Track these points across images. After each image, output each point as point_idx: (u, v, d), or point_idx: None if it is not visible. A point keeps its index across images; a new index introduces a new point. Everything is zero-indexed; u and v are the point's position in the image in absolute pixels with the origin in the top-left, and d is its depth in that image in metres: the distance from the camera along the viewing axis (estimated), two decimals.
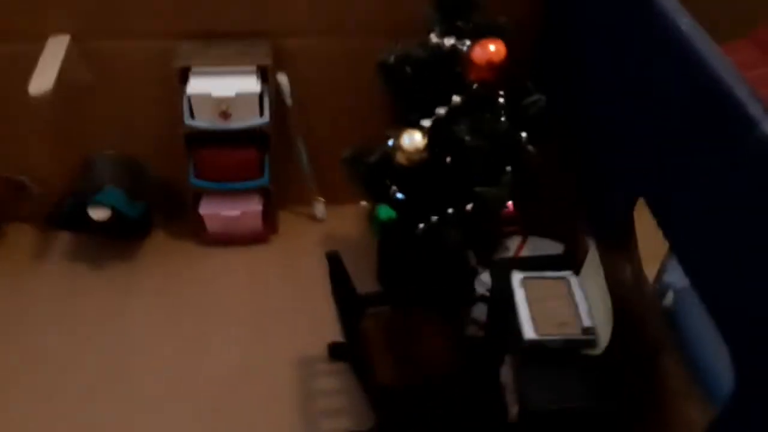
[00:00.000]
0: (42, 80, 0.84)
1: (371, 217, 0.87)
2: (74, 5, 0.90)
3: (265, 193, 1.04)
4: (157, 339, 0.95)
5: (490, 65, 0.71)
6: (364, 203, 1.16)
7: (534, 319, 0.69)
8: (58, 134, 1.01)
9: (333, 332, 0.94)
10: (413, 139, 0.78)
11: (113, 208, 0.96)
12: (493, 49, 0.71)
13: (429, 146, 0.78)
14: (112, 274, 1.03)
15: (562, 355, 0.68)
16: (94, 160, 1.00)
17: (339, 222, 1.12)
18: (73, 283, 1.01)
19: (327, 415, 0.85)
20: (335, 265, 0.81)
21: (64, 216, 0.99)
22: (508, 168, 0.82)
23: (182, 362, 0.93)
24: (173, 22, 0.91)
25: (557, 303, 0.71)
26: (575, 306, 0.71)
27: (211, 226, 1.04)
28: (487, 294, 0.92)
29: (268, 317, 0.98)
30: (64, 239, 1.07)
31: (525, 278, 0.73)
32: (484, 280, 0.91)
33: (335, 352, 0.91)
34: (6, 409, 0.87)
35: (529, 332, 0.68)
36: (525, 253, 0.92)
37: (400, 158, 0.79)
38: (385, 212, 0.84)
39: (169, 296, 1.01)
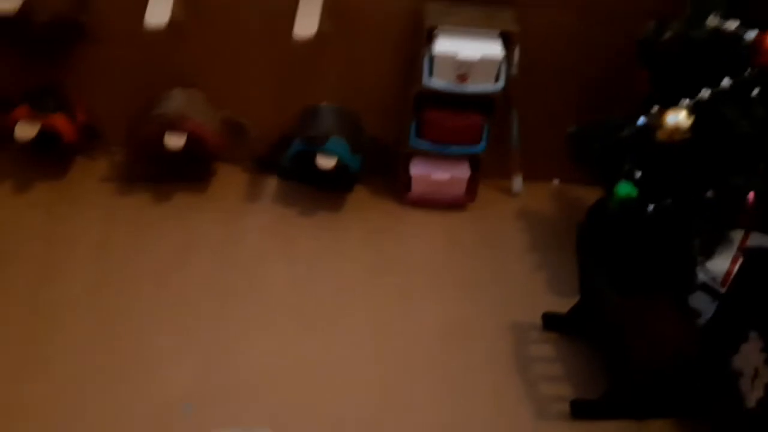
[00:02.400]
0: (305, 24, 0.87)
1: (609, 192, 0.87)
2: None
3: (473, 161, 1.05)
4: (365, 288, 0.98)
5: None
6: (556, 182, 1.17)
7: None
8: (282, 81, 1.05)
9: (540, 304, 0.95)
10: (678, 119, 0.78)
11: (339, 158, 0.99)
12: None
13: (692, 127, 0.78)
14: (319, 221, 1.06)
15: None
16: (319, 109, 1.03)
17: (532, 199, 1.13)
18: (282, 225, 1.05)
19: (547, 381, 0.86)
20: (583, 237, 0.82)
21: (286, 159, 1.03)
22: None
23: (391, 313, 0.95)
24: None
25: None
26: None
27: (417, 187, 1.06)
28: (710, 283, 0.92)
29: (470, 282, 1.00)
30: (272, 184, 1.10)
31: None
32: (710, 268, 0.91)
33: (550, 322, 0.92)
34: (229, 321, 0.91)
35: None
36: None
37: (662, 135, 0.79)
38: (625, 189, 0.85)
39: (372, 249, 1.03)
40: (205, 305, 0.94)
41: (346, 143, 1.00)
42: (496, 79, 0.95)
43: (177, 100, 0.99)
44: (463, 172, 1.05)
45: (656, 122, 0.79)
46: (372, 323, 0.94)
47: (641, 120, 0.83)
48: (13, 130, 0.97)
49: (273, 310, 0.94)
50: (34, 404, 0.80)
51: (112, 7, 0.96)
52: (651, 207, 0.87)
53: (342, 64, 1.02)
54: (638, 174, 0.86)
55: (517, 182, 1.13)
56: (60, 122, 0.98)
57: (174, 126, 0.97)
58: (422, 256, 1.04)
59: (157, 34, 0.96)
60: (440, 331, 0.94)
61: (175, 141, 0.97)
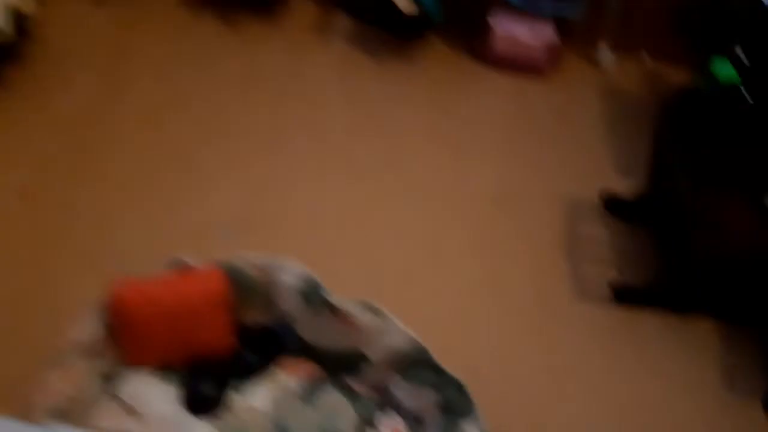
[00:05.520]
0: None
1: (704, 70, 0.78)
2: None
3: (560, 24, 0.97)
4: (423, 143, 0.95)
5: None
6: (647, 58, 1.07)
7: None
8: None
9: (600, 182, 0.90)
10: None
11: (421, 4, 0.92)
12: None
13: None
14: (387, 68, 1.01)
15: None
16: None
17: (617, 73, 1.04)
18: (348, 66, 1.01)
19: (592, 261, 0.83)
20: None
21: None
22: None
23: (444, 171, 0.92)
24: None
25: None
26: None
27: (498, 44, 0.99)
28: None
29: (533, 150, 0.95)
30: (344, 23, 1.05)
31: None
32: None
33: (611, 205, 0.87)
34: (280, 155, 0.91)
35: None
36: None
37: None
38: (727, 72, 0.76)
39: (437, 105, 0.99)
40: (259, 135, 0.93)
41: None
42: None
43: None
44: (548, 35, 0.97)
45: None
46: (422, 179, 0.91)
47: None
48: None
49: (326, 151, 0.92)
50: (84, 205, 0.82)
51: None
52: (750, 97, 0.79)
53: None
54: (744, 58, 0.78)
55: (606, 55, 1.04)
56: None
57: None
58: (488, 119, 0.99)
59: None
60: (491, 194, 0.90)
61: None
